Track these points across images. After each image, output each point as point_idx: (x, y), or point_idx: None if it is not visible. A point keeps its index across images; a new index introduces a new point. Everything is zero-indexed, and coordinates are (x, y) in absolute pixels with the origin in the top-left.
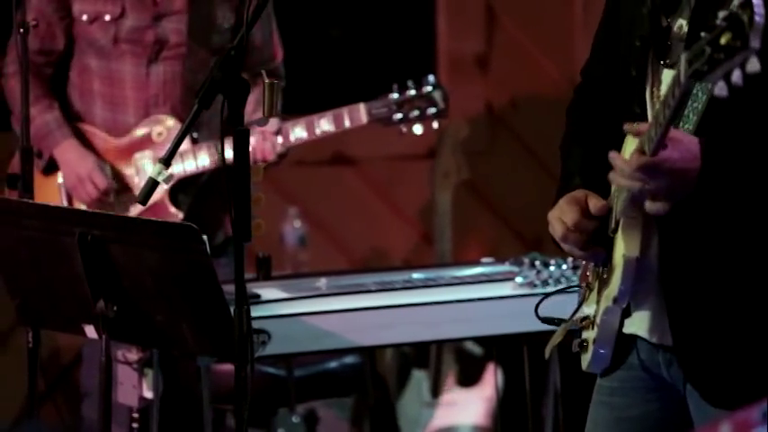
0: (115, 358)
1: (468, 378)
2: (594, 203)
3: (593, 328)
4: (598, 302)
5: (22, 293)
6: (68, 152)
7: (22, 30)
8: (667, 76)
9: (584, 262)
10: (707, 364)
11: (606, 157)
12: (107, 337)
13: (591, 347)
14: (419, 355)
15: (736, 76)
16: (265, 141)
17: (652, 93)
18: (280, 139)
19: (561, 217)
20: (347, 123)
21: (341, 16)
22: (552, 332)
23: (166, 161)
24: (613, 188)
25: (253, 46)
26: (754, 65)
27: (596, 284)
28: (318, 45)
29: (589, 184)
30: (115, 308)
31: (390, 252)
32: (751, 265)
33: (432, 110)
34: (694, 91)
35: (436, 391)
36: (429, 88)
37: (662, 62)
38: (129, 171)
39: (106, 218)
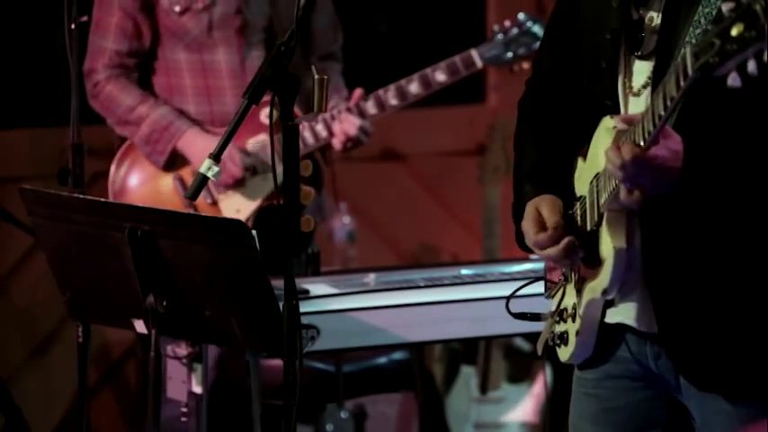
0: (164, 353)
1: (517, 374)
2: (549, 219)
3: (574, 321)
4: (579, 295)
5: (72, 288)
6: (197, 139)
7: (73, 26)
8: (640, 66)
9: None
10: (693, 349)
11: (560, 154)
12: (156, 332)
13: (573, 339)
14: (468, 351)
15: (752, 66)
16: (342, 123)
17: (624, 84)
18: (372, 110)
19: (528, 237)
20: (462, 71)
21: (390, 11)
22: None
23: (216, 156)
24: (591, 183)
25: (313, 32)
26: None
27: (573, 277)
28: (367, 40)
29: (542, 187)
30: (164, 303)
31: (439, 248)
32: (733, 251)
33: (537, 44)
34: None
35: (485, 387)
36: (530, 24)
37: (635, 54)
38: (246, 157)
39: (155, 213)
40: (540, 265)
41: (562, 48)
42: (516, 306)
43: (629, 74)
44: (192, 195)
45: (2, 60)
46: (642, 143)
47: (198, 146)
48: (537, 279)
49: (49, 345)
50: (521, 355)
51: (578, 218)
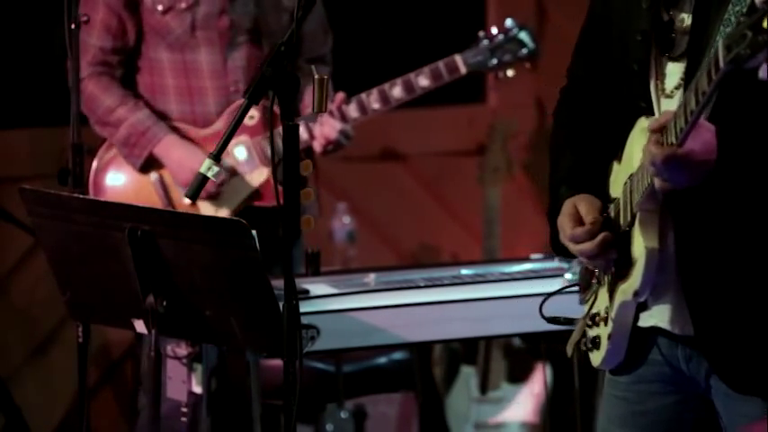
0: (164, 353)
1: (517, 374)
2: (587, 215)
3: (606, 324)
4: (611, 298)
5: (73, 288)
6: (175, 148)
7: (73, 25)
8: (672, 68)
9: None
10: (730, 351)
11: (596, 159)
12: (156, 332)
13: (605, 343)
14: (468, 351)
15: None
16: (323, 126)
17: (657, 86)
18: (355, 113)
19: (564, 232)
20: (446, 77)
21: (390, 11)
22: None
23: (216, 156)
24: (625, 184)
25: (302, 34)
26: None
27: (606, 281)
28: (367, 40)
29: (578, 189)
30: (164, 303)
31: (439, 248)
32: None
33: (523, 51)
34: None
35: (485, 387)
36: (516, 30)
37: (666, 55)
38: (227, 159)
39: (155, 213)
40: (540, 266)
41: (595, 54)
42: (517, 306)
43: (660, 76)
44: (193, 196)
45: (2, 60)
46: (675, 140)
47: (175, 154)
48: (572, 285)
49: (49, 345)
50: (521, 355)
51: (612, 219)
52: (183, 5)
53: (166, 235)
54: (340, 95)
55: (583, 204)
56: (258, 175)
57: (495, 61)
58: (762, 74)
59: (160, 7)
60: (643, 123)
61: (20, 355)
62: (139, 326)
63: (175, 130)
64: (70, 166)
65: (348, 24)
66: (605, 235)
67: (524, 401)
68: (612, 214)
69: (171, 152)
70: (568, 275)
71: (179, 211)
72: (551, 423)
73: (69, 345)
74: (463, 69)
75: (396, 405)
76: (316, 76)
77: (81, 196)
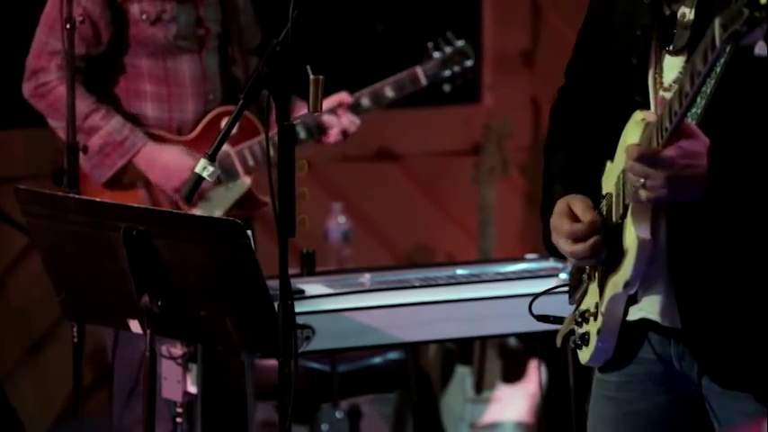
0: (159, 353)
1: (512, 374)
2: (585, 215)
3: (595, 320)
4: (601, 293)
5: (68, 288)
6: (158, 153)
7: (68, 26)
8: (672, 62)
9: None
10: (716, 345)
11: (590, 158)
12: (152, 332)
13: (594, 339)
14: (463, 351)
15: None
16: (341, 118)
17: (655, 80)
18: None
19: (558, 232)
20: (408, 87)
21: (386, 11)
22: None
23: (211, 156)
24: (618, 174)
25: (240, 29)
26: None
27: (597, 276)
28: (363, 39)
29: (571, 188)
30: (160, 303)
31: (434, 248)
32: (761, 248)
33: (468, 62)
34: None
35: (479, 387)
36: (460, 42)
37: (666, 49)
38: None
39: (151, 213)
40: (535, 266)
41: (594, 51)
42: (512, 306)
43: (659, 69)
44: (188, 196)
45: None
46: (659, 140)
47: (160, 159)
48: (562, 285)
49: (44, 345)
50: (515, 354)
51: (603, 214)
52: (168, 16)
53: (161, 235)
54: (344, 96)
55: (577, 203)
56: (240, 186)
57: (447, 73)
58: (758, 50)
59: (148, 19)
60: (637, 116)
61: (15, 355)
62: (135, 326)
63: (151, 137)
64: (65, 166)
65: (343, 25)
66: (595, 239)
67: (519, 401)
68: (605, 210)
69: (156, 158)
70: (563, 275)
71: (174, 211)
72: (546, 423)
73: (64, 345)
74: (424, 81)
75: (391, 405)
76: (311, 77)
77: (76, 196)
